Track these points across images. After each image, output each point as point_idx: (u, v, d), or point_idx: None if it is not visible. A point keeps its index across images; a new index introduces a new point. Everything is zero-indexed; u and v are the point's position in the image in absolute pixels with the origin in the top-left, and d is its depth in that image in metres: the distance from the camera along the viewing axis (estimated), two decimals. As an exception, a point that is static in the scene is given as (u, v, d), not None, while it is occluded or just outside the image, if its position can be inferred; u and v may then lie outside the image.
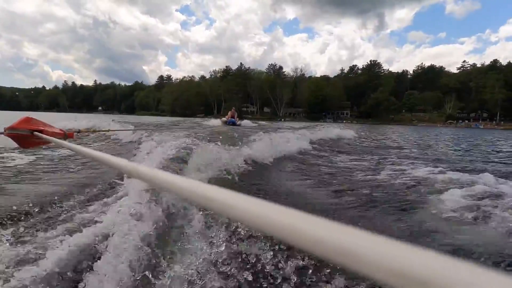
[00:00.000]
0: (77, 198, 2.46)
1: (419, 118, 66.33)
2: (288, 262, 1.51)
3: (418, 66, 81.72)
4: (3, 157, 4.38)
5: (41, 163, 4.12)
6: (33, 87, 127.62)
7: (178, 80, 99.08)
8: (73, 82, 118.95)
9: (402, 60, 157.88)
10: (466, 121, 61.12)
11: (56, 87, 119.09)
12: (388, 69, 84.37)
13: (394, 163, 5.10)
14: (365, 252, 0.17)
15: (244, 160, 3.85)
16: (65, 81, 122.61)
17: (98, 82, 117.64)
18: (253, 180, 3.49)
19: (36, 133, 1.24)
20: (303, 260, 1.52)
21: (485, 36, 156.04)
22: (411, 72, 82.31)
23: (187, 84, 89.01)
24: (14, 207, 2.13)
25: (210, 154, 3.36)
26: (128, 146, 6.16)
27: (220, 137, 5.77)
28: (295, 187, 3.44)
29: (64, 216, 2.05)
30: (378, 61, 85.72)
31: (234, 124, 13.94)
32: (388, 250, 0.17)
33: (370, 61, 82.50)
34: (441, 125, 55.07)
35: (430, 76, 74.68)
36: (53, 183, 3.05)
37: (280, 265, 1.51)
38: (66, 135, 1.44)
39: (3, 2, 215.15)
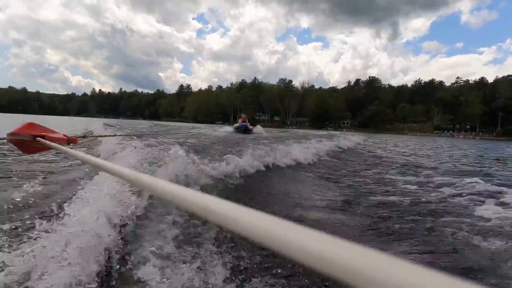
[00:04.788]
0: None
1: (410, 128, 74.33)
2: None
3: (416, 81, 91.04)
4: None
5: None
6: (54, 92, 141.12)
7: (197, 90, 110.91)
8: (100, 89, 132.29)
9: (418, 69, 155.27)
10: (451, 132, 69.65)
11: (85, 94, 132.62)
12: (388, 84, 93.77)
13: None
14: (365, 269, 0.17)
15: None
16: (93, 88, 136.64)
17: (123, 90, 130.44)
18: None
19: (38, 138, 1.23)
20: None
21: (505, 46, 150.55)
22: (409, 86, 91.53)
23: (207, 94, 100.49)
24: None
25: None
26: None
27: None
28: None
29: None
30: (378, 77, 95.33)
31: (246, 128, 13.35)
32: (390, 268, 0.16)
33: (369, 77, 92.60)
34: (420, 134, 63.23)
35: (427, 90, 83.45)
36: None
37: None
38: (70, 140, 1.47)
39: (28, 10, 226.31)
